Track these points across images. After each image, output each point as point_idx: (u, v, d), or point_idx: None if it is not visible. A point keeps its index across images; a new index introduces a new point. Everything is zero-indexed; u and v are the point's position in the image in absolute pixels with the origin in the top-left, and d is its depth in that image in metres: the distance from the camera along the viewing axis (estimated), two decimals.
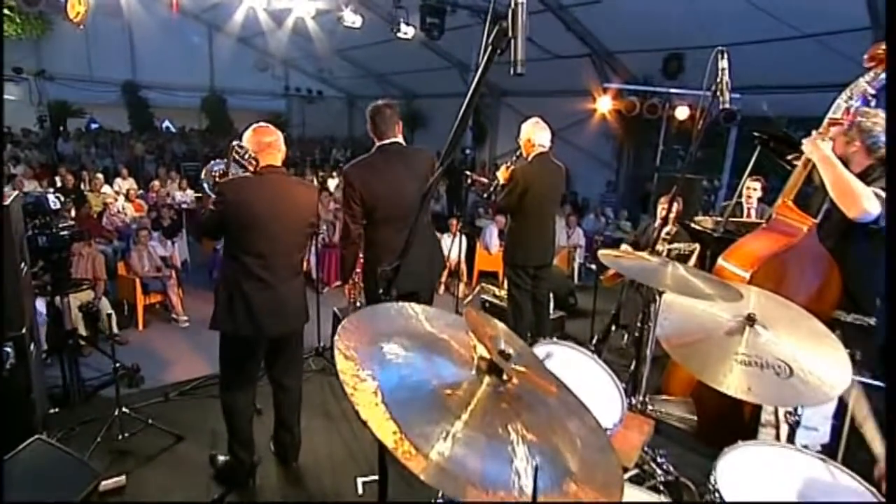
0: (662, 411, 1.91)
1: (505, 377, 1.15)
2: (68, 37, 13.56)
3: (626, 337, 4.82)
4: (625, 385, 1.87)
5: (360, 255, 3.10)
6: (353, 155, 17.79)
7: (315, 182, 12.04)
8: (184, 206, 9.68)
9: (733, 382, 1.55)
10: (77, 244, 4.85)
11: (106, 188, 9.33)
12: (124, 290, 6.10)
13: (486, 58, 1.23)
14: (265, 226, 2.57)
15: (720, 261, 2.65)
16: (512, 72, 1.19)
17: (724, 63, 1.85)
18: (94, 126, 16.29)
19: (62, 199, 3.93)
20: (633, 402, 1.90)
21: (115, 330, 5.41)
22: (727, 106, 1.87)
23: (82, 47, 14.89)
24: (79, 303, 5.15)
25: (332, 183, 11.77)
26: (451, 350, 1.24)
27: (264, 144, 2.66)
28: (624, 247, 4.75)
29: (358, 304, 3.63)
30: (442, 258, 3.31)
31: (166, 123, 18.37)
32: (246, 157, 2.63)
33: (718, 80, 1.85)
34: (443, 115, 15.58)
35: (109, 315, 3.63)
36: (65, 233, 3.76)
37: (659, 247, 4.46)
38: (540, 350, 1.99)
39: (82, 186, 9.55)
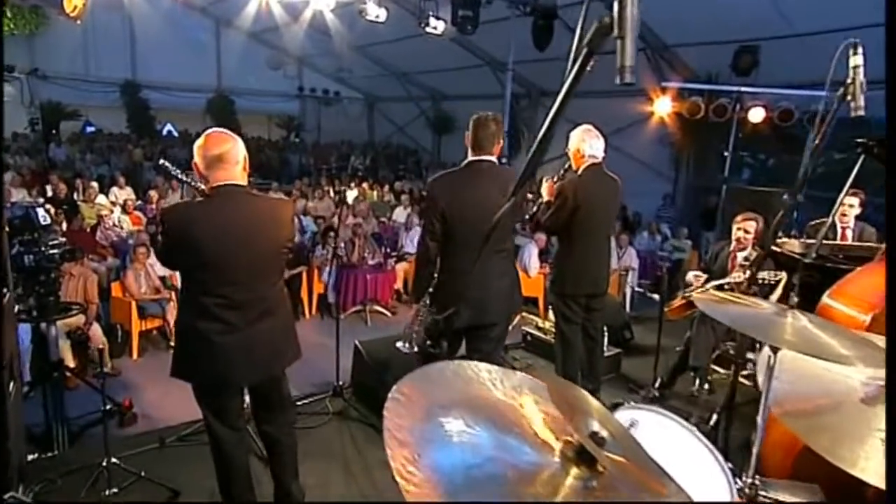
0: (781, 501, 1.70)
1: (598, 468, 1.00)
2: (64, 32, 13.98)
3: (697, 382, 4.60)
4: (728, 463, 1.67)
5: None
6: (373, 162, 17.92)
7: (332, 193, 12.26)
8: None
9: (877, 469, 1.34)
10: (68, 263, 4.84)
11: (101, 198, 9.48)
12: (118, 314, 6.11)
13: (578, 66, 1.08)
14: (221, 260, 2.38)
15: (826, 299, 2.44)
16: (619, 80, 1.04)
17: (857, 58, 1.68)
18: (89, 129, 16.71)
19: (53, 211, 3.91)
20: (741, 485, 1.70)
21: (108, 362, 5.40)
22: (860, 113, 1.68)
23: (79, 43, 15.35)
24: (67, 328, 5.14)
25: (351, 195, 11.78)
26: (524, 425, 1.11)
27: (211, 159, 2.42)
28: (693, 275, 4.55)
29: (417, 330, 3.55)
30: (520, 289, 3.32)
31: (168, 127, 18.73)
32: (191, 181, 2.45)
33: (850, 79, 1.67)
34: (468, 122, 15.56)
35: (101, 350, 3.55)
36: (55, 251, 3.73)
37: (736, 274, 4.25)
38: (622, 417, 1.82)
39: (75, 196, 9.72)
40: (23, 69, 13.79)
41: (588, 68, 1.09)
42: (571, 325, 4.04)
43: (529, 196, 4.95)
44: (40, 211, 3.75)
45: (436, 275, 3.09)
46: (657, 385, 4.55)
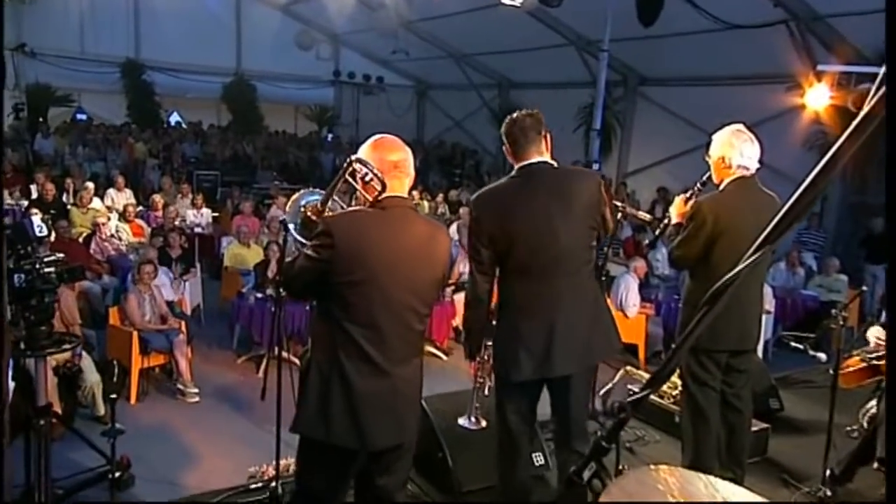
0: None
1: None
2: (56, 2, 14.59)
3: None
4: None
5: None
6: (423, 165, 17.97)
7: None
8: (198, 230, 10.01)
9: None
10: None
11: (96, 202, 9.74)
12: (116, 347, 6.19)
13: None
14: (385, 283, 2.58)
15: None
16: None
17: None
18: (81, 117, 17.35)
19: (49, 221, 3.95)
20: None
21: (100, 406, 5.43)
22: None
23: (73, 15, 16.06)
24: (53, 363, 5.20)
25: None
26: None
27: (390, 164, 2.65)
28: (876, 331, 4.27)
29: (486, 390, 3.64)
30: (612, 326, 3.35)
31: (176, 117, 19.35)
32: (368, 179, 2.63)
33: None
34: (552, 110, 15.47)
35: (108, 398, 3.52)
36: (50, 269, 3.75)
37: None
38: None
39: (65, 199, 10.02)
40: (7, 44, 14.39)
41: None
42: (707, 390, 3.85)
43: (646, 216, 4.78)
44: (35, 220, 3.81)
45: (497, 320, 3.20)
46: (828, 479, 4.22)
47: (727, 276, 1.60)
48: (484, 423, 3.79)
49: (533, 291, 3.07)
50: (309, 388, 2.63)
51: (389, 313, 2.60)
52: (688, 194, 3.92)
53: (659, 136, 13.28)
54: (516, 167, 3.15)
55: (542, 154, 3.13)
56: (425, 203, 13.18)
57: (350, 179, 2.65)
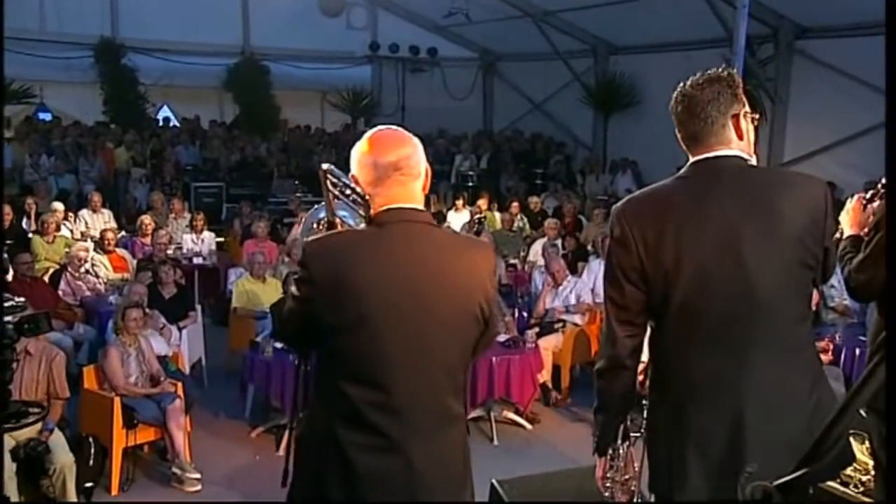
0: None
1: None
2: None
3: None
4: None
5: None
6: (492, 164, 17.90)
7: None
8: (198, 260, 10.16)
9: None
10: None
11: (65, 228, 9.97)
12: (93, 419, 6.23)
13: None
14: (387, 326, 2.57)
15: None
16: None
17: None
18: (44, 116, 17.79)
19: (6, 256, 4.09)
20: None
21: (73, 497, 5.50)
22: None
23: None
24: (13, 442, 5.32)
25: (457, 220, 11.74)
26: None
27: (388, 167, 2.67)
28: None
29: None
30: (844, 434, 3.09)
31: (166, 112, 19.73)
32: (349, 195, 2.71)
33: None
34: (669, 82, 15.12)
35: (83, 487, 3.61)
36: (7, 319, 3.85)
37: None
38: None
39: (25, 225, 10.27)
40: None
41: None
42: None
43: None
44: None
45: (650, 393, 2.96)
46: None
47: None
48: None
49: (709, 362, 2.75)
50: (302, 462, 2.68)
51: (398, 367, 2.58)
52: (868, 194, 3.87)
53: (826, 110, 12.92)
54: (691, 160, 2.89)
55: (729, 143, 2.83)
56: (496, 215, 13.10)
57: (339, 195, 2.71)
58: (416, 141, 2.76)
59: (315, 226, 2.85)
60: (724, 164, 2.81)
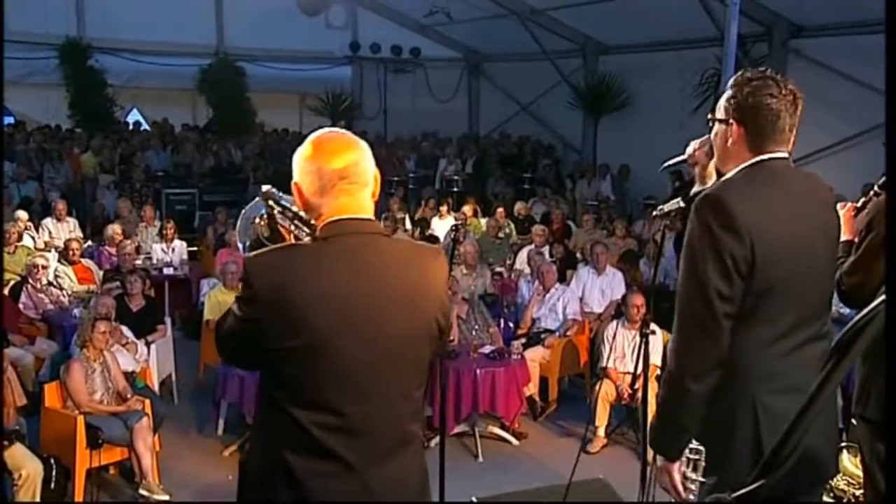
0: None
1: None
2: None
3: None
4: None
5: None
6: (477, 168, 17.86)
7: (407, 223, 12.11)
8: (168, 271, 10.11)
9: None
10: None
11: (27, 238, 9.86)
12: (54, 438, 6.18)
13: None
14: (338, 347, 2.56)
15: None
16: None
17: None
18: (7, 120, 17.62)
19: None
20: None
21: None
22: None
23: None
24: None
25: (441, 226, 11.64)
26: None
27: (332, 175, 2.65)
28: None
29: None
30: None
31: (136, 116, 19.81)
32: (293, 217, 2.72)
33: None
34: (660, 81, 15.47)
35: None
36: None
37: None
38: None
39: None
40: None
41: None
42: None
43: None
44: None
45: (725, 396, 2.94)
46: None
47: None
48: None
49: (798, 352, 2.93)
50: (248, 482, 2.69)
51: (352, 389, 2.57)
52: (859, 203, 3.99)
53: (823, 111, 12.73)
54: (752, 160, 2.98)
55: (786, 144, 3.00)
56: (481, 221, 13.08)
57: (278, 218, 2.73)
58: (364, 145, 2.73)
59: (258, 220, 2.81)
60: (782, 164, 3.02)
